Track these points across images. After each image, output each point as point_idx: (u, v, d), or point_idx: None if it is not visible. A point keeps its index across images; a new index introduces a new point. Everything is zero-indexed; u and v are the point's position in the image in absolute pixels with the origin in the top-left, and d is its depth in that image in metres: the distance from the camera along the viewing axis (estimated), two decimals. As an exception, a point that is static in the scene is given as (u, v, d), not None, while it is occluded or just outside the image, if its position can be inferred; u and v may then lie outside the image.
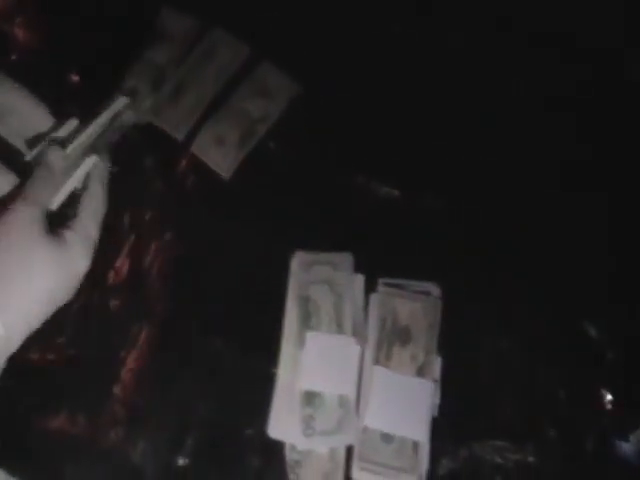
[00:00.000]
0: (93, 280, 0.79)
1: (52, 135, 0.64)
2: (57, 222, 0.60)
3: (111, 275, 0.82)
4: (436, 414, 0.76)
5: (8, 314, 0.55)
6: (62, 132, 0.64)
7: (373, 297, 0.79)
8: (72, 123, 0.65)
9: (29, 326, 0.57)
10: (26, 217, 0.57)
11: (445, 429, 0.76)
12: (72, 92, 0.89)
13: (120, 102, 0.70)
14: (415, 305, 0.78)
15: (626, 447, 0.77)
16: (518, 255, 0.84)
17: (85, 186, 0.64)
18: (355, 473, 0.74)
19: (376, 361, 0.77)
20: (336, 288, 0.79)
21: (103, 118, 0.67)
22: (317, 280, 0.80)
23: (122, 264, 0.83)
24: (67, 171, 0.62)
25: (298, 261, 0.81)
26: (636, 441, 0.75)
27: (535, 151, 0.87)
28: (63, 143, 0.63)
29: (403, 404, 0.75)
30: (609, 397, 0.78)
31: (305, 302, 0.79)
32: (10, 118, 0.62)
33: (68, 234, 0.60)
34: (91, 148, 0.65)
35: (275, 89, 0.90)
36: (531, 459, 0.77)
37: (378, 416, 0.75)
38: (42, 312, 0.58)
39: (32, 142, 0.64)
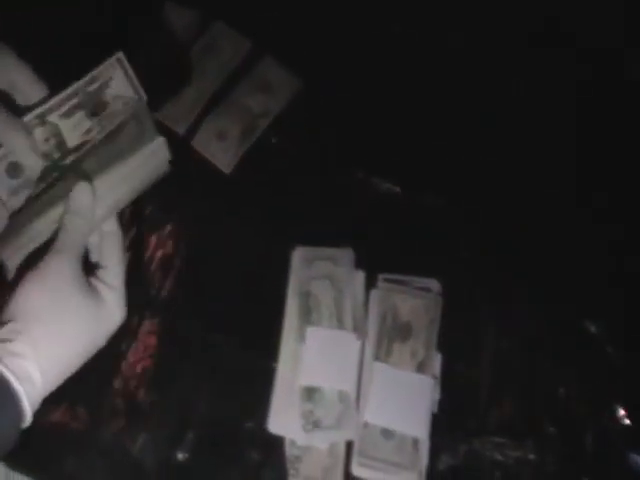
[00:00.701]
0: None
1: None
2: (87, 271, 0.59)
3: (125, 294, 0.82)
4: (436, 410, 0.77)
5: (44, 364, 0.55)
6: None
7: (373, 293, 0.80)
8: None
9: (63, 374, 0.58)
10: (61, 266, 0.57)
11: (445, 425, 0.77)
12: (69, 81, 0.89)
13: (113, 59, 0.62)
14: (416, 301, 0.79)
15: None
16: (518, 252, 0.84)
17: (103, 236, 0.62)
18: (355, 469, 0.75)
19: (376, 357, 0.77)
20: (337, 283, 0.79)
21: (81, 82, 0.60)
22: (318, 275, 0.80)
23: (122, 258, 0.83)
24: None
25: (299, 256, 0.81)
26: None
27: (535, 151, 0.88)
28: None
29: (403, 400, 0.75)
30: (622, 412, 0.79)
31: (306, 297, 0.79)
32: (10, 94, 0.61)
33: (101, 286, 0.59)
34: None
35: (276, 84, 0.90)
36: (531, 456, 0.77)
37: (378, 412, 0.75)
38: (77, 361, 0.58)
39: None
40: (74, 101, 0.60)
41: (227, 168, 0.88)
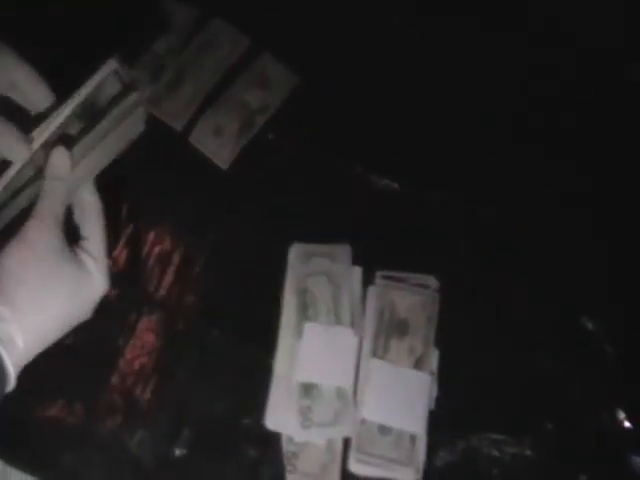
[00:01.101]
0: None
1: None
2: (70, 242, 0.60)
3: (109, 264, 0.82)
4: (433, 407, 0.77)
5: (27, 328, 0.56)
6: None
7: (371, 289, 0.80)
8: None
9: (45, 341, 0.58)
10: (43, 232, 0.57)
11: (442, 422, 0.77)
12: (69, 81, 0.89)
13: (109, 66, 0.61)
14: (413, 298, 0.79)
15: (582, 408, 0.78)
16: (516, 249, 0.84)
17: (83, 207, 0.63)
18: (352, 465, 0.75)
19: (374, 353, 0.77)
20: (334, 280, 0.80)
21: (87, 87, 0.60)
22: (315, 272, 0.80)
23: (120, 253, 0.83)
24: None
25: (296, 253, 0.81)
26: None
27: (535, 150, 0.88)
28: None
29: (400, 396, 0.75)
30: (622, 415, 0.79)
31: (303, 293, 0.79)
32: (10, 94, 0.61)
33: (83, 256, 0.60)
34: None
35: (274, 80, 0.90)
36: (528, 452, 0.77)
37: (375, 408, 0.75)
38: (58, 329, 0.59)
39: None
40: (74, 119, 0.60)
41: (224, 164, 0.88)
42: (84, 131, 0.62)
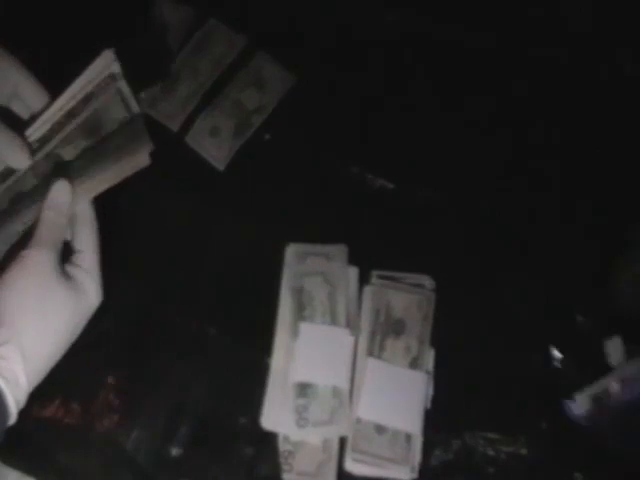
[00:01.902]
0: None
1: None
2: (63, 259, 0.61)
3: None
4: (429, 406, 0.77)
5: (30, 361, 0.57)
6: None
7: (367, 289, 0.81)
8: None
9: (47, 368, 0.59)
10: (41, 261, 0.58)
11: (438, 420, 0.77)
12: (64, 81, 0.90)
13: (104, 59, 0.60)
14: (409, 297, 0.79)
15: (574, 408, 0.77)
16: (511, 248, 0.85)
17: (78, 220, 0.64)
18: (348, 464, 0.75)
19: (370, 352, 0.78)
20: (330, 279, 0.80)
21: (81, 80, 0.59)
22: (311, 271, 0.81)
23: (115, 252, 0.84)
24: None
25: (292, 252, 0.82)
26: (582, 402, 0.75)
27: (533, 148, 0.88)
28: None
29: (396, 395, 0.76)
30: (559, 355, 0.79)
31: (299, 293, 0.80)
32: (12, 104, 0.62)
33: (77, 272, 0.61)
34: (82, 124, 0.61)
35: (270, 80, 0.90)
36: (523, 451, 0.78)
37: (371, 407, 0.76)
38: (60, 352, 0.60)
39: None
40: (72, 124, 0.60)
41: (221, 164, 0.88)
42: (86, 154, 0.62)
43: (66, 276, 0.60)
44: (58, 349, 0.60)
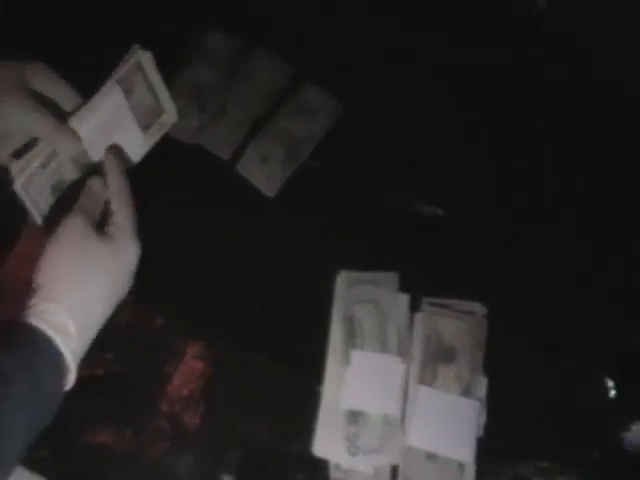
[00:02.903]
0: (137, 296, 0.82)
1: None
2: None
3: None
4: (481, 434, 0.77)
5: (78, 315, 0.64)
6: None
7: (418, 316, 0.81)
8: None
9: (97, 324, 0.67)
10: (80, 225, 0.68)
11: (489, 449, 0.77)
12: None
13: (137, 55, 0.74)
14: (460, 324, 0.80)
15: (631, 439, 0.77)
16: (563, 276, 0.85)
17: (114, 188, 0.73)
18: (401, 492, 0.76)
19: (421, 380, 0.78)
20: (381, 307, 0.81)
21: (116, 76, 0.73)
22: (362, 299, 0.82)
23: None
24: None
25: (343, 280, 0.83)
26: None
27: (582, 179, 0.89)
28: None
29: (448, 424, 0.76)
30: (613, 385, 0.79)
31: (350, 321, 0.81)
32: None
33: (113, 229, 0.69)
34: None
35: (319, 109, 0.92)
36: (576, 480, 0.77)
37: (423, 435, 0.76)
38: (107, 308, 0.68)
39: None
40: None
41: (271, 192, 0.90)
42: None
43: (104, 235, 0.69)
44: (104, 303, 0.68)
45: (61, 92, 0.73)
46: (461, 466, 0.75)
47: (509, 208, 0.88)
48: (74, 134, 0.72)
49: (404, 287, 0.83)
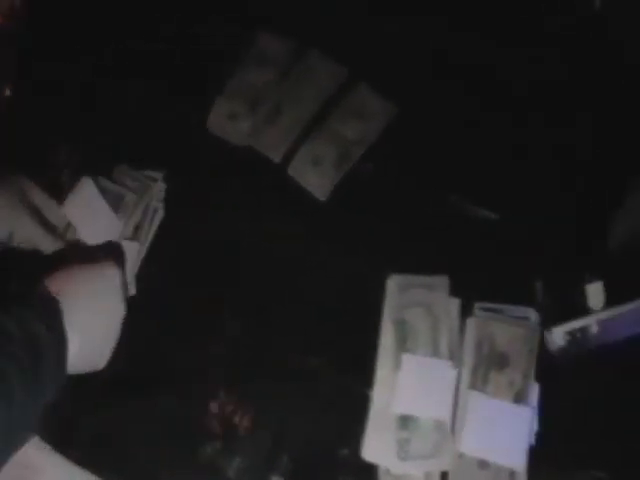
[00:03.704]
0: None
1: None
2: None
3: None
4: (533, 442, 0.77)
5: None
6: None
7: (470, 321, 0.81)
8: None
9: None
10: (118, 275, 0.76)
11: (542, 457, 0.76)
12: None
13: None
14: (514, 330, 0.79)
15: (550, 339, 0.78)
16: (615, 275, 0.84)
17: None
18: (452, 497, 0.76)
19: (472, 385, 0.78)
20: (432, 311, 0.81)
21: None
22: (413, 303, 0.82)
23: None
24: None
25: (394, 284, 0.83)
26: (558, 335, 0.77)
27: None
28: None
29: (500, 430, 0.76)
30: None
31: (401, 325, 0.81)
32: None
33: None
34: None
35: (372, 111, 0.92)
36: (632, 490, 0.76)
37: (474, 442, 0.76)
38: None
39: None
40: None
41: (322, 195, 0.90)
42: None
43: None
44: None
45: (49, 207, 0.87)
46: (513, 475, 0.75)
47: (562, 212, 0.87)
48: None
49: (456, 291, 0.83)
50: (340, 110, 0.93)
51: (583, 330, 0.77)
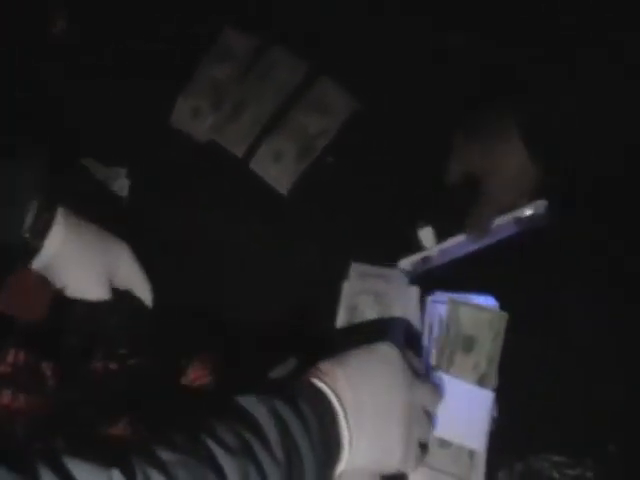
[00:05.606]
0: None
1: None
2: None
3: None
4: (493, 428, 0.78)
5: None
6: None
7: (435, 306, 0.82)
8: None
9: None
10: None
11: (501, 443, 0.78)
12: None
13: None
14: (480, 315, 0.80)
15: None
16: (580, 270, 0.87)
17: None
18: (411, 477, 0.75)
19: (437, 365, 0.79)
20: (382, 300, 0.83)
21: None
22: (365, 291, 0.84)
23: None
24: None
25: (353, 271, 0.86)
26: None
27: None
28: None
29: (462, 411, 0.77)
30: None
31: (353, 310, 0.83)
32: None
33: None
34: None
35: (333, 104, 0.95)
36: (589, 474, 0.78)
37: (436, 422, 0.76)
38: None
39: None
40: None
41: (283, 189, 0.93)
42: None
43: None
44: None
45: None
46: (472, 454, 0.76)
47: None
48: None
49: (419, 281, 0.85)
50: (301, 104, 0.95)
51: (424, 259, 0.86)
